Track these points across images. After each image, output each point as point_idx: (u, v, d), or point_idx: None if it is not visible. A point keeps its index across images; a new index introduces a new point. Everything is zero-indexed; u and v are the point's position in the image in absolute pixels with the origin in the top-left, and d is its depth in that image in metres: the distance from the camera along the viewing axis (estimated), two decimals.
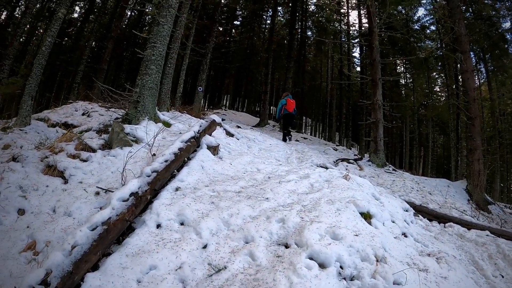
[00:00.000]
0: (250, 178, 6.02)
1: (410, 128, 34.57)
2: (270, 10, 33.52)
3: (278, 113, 15.14)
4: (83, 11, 30.27)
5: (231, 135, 10.63)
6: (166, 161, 5.44)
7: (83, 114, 12.86)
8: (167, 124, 8.52)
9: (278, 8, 32.41)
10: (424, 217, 6.73)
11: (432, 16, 27.03)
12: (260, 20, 38.56)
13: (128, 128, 7.14)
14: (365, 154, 25.17)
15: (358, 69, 39.51)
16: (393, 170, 13.26)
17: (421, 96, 33.34)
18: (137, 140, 6.93)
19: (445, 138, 37.95)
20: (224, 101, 46.20)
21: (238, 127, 16.95)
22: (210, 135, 8.12)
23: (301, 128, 34.16)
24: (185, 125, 9.23)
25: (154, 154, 6.11)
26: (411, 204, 6.82)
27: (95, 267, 3.53)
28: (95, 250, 3.49)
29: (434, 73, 32.45)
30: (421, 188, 11.00)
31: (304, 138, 23.23)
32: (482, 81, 27.19)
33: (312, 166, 9.43)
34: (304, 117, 42.36)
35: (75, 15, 31.16)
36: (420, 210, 6.98)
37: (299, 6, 29.03)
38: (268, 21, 38.14)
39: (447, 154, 38.38)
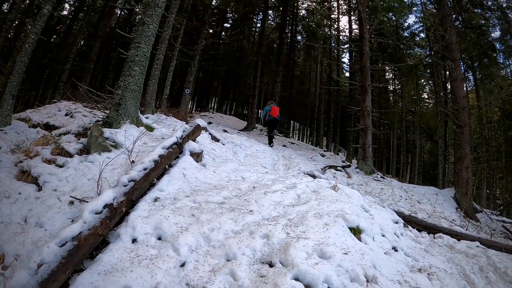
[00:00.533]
0: (234, 188, 5.74)
1: (397, 134, 34.55)
2: (260, 13, 33.44)
3: (263, 119, 15.90)
4: (73, 8, 29.66)
5: (217, 140, 10.35)
6: (145, 169, 5.13)
7: (66, 115, 12.56)
8: (150, 128, 8.20)
9: (269, 12, 32.35)
10: (413, 228, 6.61)
11: (421, 24, 27.22)
12: (250, 23, 38.36)
13: (107, 132, 6.80)
14: (352, 160, 25.29)
15: (347, 74, 39.77)
16: (381, 177, 13.11)
17: (409, 103, 33.49)
18: (116, 145, 6.60)
19: (432, 145, 38.13)
20: (212, 104, 45.92)
21: (225, 131, 16.64)
22: (194, 140, 7.83)
23: (289, 133, 33.82)
24: (169, 129, 8.94)
25: (133, 161, 5.77)
26: (400, 215, 6.73)
27: (64, 286, 3.22)
28: (64, 268, 3.16)
29: (422, 80, 32.74)
30: (409, 196, 10.86)
31: (292, 143, 23.01)
32: (470, 88, 27.17)
33: (300, 174, 9.21)
34: (292, 122, 42.26)
35: (65, 12, 30.57)
36: (409, 221, 6.85)
37: (289, 10, 28.93)
38: (258, 25, 37.90)
39: (434, 160, 38.58)
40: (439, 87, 26.38)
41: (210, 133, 10.35)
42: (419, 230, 6.62)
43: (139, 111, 8.11)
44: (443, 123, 25.73)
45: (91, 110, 11.64)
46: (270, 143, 15.28)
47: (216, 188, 5.72)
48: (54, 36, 29.60)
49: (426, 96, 37.13)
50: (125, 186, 4.55)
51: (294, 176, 7.40)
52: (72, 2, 29.61)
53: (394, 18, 28.36)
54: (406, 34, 29.97)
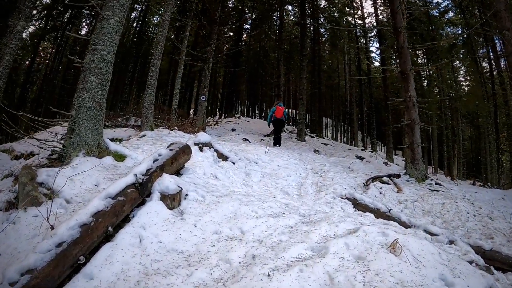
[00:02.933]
0: (220, 259, 3.33)
1: (436, 123, 31.35)
2: (279, 8, 31.00)
3: (268, 121, 15.00)
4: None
5: (225, 158, 7.99)
6: (60, 244, 2.90)
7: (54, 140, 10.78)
8: (120, 157, 5.83)
9: (288, 7, 30.45)
10: (497, 269, 4.61)
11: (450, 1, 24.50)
12: (270, 22, 35.98)
13: (44, 174, 4.53)
14: (393, 157, 22.37)
15: (376, 64, 37.39)
16: (436, 184, 10.33)
17: (446, 88, 30.14)
18: (51, 194, 4.29)
19: (472, 131, 34.62)
20: (240, 108, 43.84)
21: (245, 140, 14.24)
22: (179, 170, 5.54)
23: (322, 132, 31.13)
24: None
25: (52, 227, 3.45)
26: (480, 251, 5.14)
27: None
28: None
29: (457, 62, 29.40)
30: (477, 210, 8.08)
31: (325, 144, 20.40)
32: None
33: (335, 199, 6.76)
34: (324, 118, 39.60)
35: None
36: (491, 258, 5.10)
37: (309, 1, 26.16)
38: (278, 23, 35.63)
39: (475, 146, 35.21)
40: (480, 67, 23.35)
41: (216, 150, 8.00)
42: (504, 271, 4.76)
43: (102, 136, 5.77)
44: (493, 107, 22.37)
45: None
46: (276, 144, 14.12)
47: (189, 261, 3.36)
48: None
49: (462, 79, 33.77)
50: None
51: (328, 205, 5.24)
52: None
53: None
54: (435, 13, 26.85)
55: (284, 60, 23.49)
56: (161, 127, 11.45)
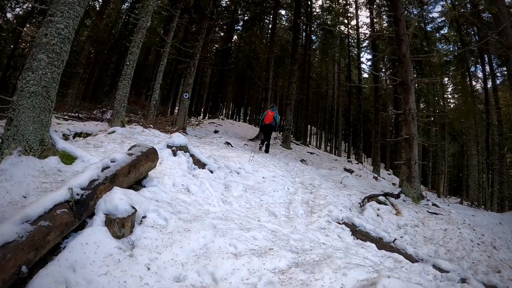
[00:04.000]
0: None
1: (422, 138, 30.79)
2: (272, 12, 30.16)
3: (260, 126, 14.11)
4: None
5: (202, 165, 6.79)
6: None
7: None
8: (69, 159, 4.55)
9: (282, 12, 29.43)
10: None
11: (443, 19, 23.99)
12: (262, 24, 35.04)
13: None
14: (381, 171, 21.42)
15: (366, 75, 37.82)
16: (432, 205, 9.38)
17: (432, 104, 29.76)
18: None
19: (456, 148, 34.42)
20: (225, 110, 42.63)
21: (228, 144, 13.05)
22: (141, 180, 4.36)
23: (306, 140, 30.12)
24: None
25: None
26: None
27: None
28: None
29: (446, 79, 29.17)
30: (479, 237, 7.13)
31: (311, 153, 19.31)
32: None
33: (331, 223, 5.68)
34: (309, 126, 38.74)
35: None
36: None
37: (303, 6, 25.22)
38: (271, 26, 34.79)
39: (457, 163, 35.01)
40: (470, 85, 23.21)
41: (192, 155, 6.79)
42: None
43: (48, 130, 4.51)
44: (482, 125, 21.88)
45: None
46: (265, 150, 13.46)
47: None
48: None
49: (449, 96, 33.83)
50: None
51: (322, 232, 4.85)
52: None
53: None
54: (429, 28, 26.43)
55: (274, 64, 22.25)
56: (134, 124, 10.21)
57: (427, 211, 8.55)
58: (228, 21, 29.79)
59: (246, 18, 35.15)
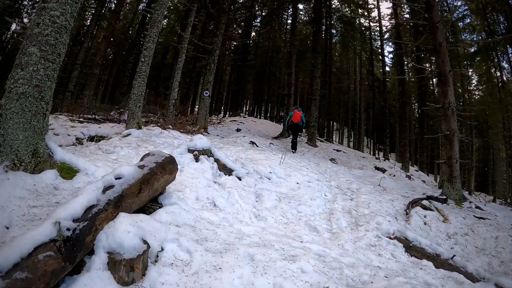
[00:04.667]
0: None
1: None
2: (290, 7, 29.54)
3: (285, 125, 14.29)
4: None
5: (229, 171, 5.93)
6: None
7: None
8: (69, 172, 3.70)
9: (299, 6, 28.40)
10: None
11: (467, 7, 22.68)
12: (280, 20, 34.22)
13: None
14: (409, 168, 20.30)
15: (387, 69, 35.94)
16: (476, 207, 8.47)
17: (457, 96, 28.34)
18: None
19: (481, 143, 33.06)
20: (246, 107, 41.82)
21: (253, 143, 12.16)
22: (156, 198, 3.48)
23: (330, 136, 29.10)
24: (130, 164, 4.57)
25: None
26: None
27: None
28: None
29: (470, 71, 27.63)
30: None
31: (337, 151, 18.30)
32: None
33: (381, 239, 4.96)
34: (331, 122, 37.70)
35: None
36: None
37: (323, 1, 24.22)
38: (289, 21, 34.36)
39: (482, 158, 33.55)
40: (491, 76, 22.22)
41: (217, 159, 5.94)
42: None
43: (44, 136, 3.68)
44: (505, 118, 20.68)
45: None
46: (293, 148, 13.48)
47: None
48: None
49: (474, 88, 31.65)
50: None
51: (373, 250, 4.34)
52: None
53: None
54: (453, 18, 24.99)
55: (295, 58, 21.25)
56: (152, 125, 9.39)
57: (474, 215, 7.70)
58: (246, 16, 28.91)
59: (263, 14, 34.27)
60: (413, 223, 6.24)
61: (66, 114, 11.94)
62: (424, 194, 8.37)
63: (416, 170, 23.82)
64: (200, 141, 5.87)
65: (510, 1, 16.58)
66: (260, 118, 35.13)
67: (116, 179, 2.78)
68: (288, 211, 5.25)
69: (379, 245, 4.72)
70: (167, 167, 3.50)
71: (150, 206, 3.41)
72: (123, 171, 2.89)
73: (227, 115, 32.25)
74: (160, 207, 3.49)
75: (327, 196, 6.54)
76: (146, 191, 3.10)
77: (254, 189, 5.69)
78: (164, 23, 35.67)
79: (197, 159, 5.64)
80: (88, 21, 26.50)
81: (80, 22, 24.91)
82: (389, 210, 6.53)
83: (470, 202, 8.76)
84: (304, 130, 17.63)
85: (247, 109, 41.92)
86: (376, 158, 20.09)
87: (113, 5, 23.57)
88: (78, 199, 2.36)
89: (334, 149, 18.44)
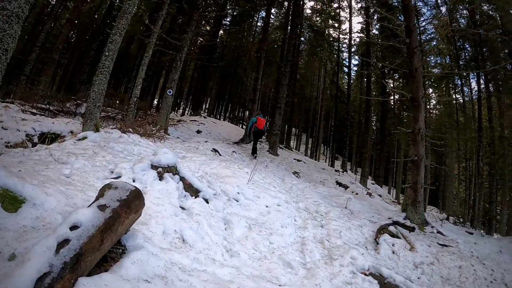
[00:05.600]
0: None
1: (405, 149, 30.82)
2: (262, 11, 29.36)
3: (249, 131, 15.14)
4: None
5: (195, 191, 5.37)
6: None
7: None
8: (12, 203, 2.86)
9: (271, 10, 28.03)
10: None
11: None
12: (250, 21, 33.78)
13: None
14: (367, 181, 20.39)
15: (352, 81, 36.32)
16: (437, 232, 8.52)
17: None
18: None
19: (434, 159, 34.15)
20: (206, 104, 40.99)
21: (215, 151, 11.46)
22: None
23: (289, 142, 28.89)
24: (88, 194, 3.94)
25: None
26: None
27: None
28: None
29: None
30: (490, 273, 6.69)
31: (298, 161, 17.95)
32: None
33: (356, 275, 4.76)
34: (292, 128, 37.80)
35: None
36: None
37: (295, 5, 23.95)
38: (259, 23, 35.18)
39: (434, 173, 34.52)
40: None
41: (182, 178, 5.39)
42: None
43: None
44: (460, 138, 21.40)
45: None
46: (254, 153, 14.18)
47: None
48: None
49: (432, 107, 32.60)
50: None
51: None
52: None
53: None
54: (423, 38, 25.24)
55: (263, 63, 20.74)
56: (111, 127, 8.61)
57: (438, 243, 7.71)
58: (217, 14, 28.23)
59: (234, 13, 33.53)
60: (382, 252, 6.10)
61: (18, 103, 11.11)
62: (389, 218, 8.30)
63: (372, 183, 24.03)
64: (165, 156, 5.28)
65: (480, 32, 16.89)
66: (220, 118, 34.70)
67: (71, 229, 2.17)
68: (260, 242, 4.76)
69: (355, 282, 4.42)
70: (133, 205, 2.92)
71: (111, 250, 2.81)
72: (80, 218, 2.27)
73: (186, 113, 31.48)
74: (123, 252, 2.89)
75: (297, 222, 6.11)
76: (109, 240, 2.51)
77: (223, 214, 5.16)
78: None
79: (161, 177, 5.06)
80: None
81: (44, 1, 23.24)
82: (360, 239, 6.28)
83: (432, 226, 8.80)
84: (264, 137, 17.45)
85: (207, 106, 41.17)
86: (336, 171, 19.97)
87: None
88: (24, 269, 1.76)
89: (295, 159, 18.10)
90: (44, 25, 19.54)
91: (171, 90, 14.33)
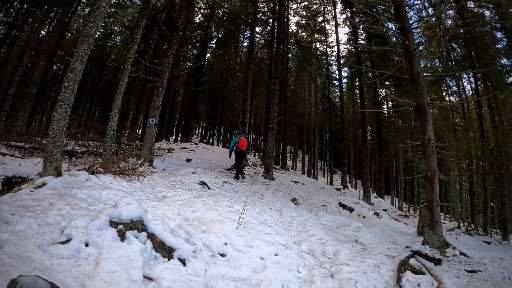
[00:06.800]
0: None
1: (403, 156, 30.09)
2: (247, 30, 29.19)
3: (230, 151, 14.38)
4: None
5: (169, 251, 4.15)
6: None
7: None
8: None
9: (256, 29, 27.33)
10: None
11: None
12: (236, 42, 33.11)
13: None
14: (371, 197, 19.28)
15: (338, 93, 36.41)
16: (460, 254, 7.36)
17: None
18: None
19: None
20: (199, 129, 40.01)
21: (203, 184, 10.01)
22: None
23: (285, 162, 27.67)
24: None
25: None
26: None
27: None
28: None
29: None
30: None
31: (296, 182, 16.78)
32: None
33: None
34: (288, 146, 36.97)
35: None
36: None
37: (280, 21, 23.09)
38: (245, 44, 34.26)
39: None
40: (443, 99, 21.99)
41: (151, 234, 4.18)
42: None
43: None
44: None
45: None
46: (238, 177, 13.69)
47: None
48: None
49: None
50: None
51: None
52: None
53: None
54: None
55: (251, 83, 19.70)
56: (79, 168, 7.32)
57: (465, 270, 6.62)
58: (201, 35, 27.53)
59: (219, 35, 33.54)
60: None
61: None
62: (407, 247, 7.13)
63: (375, 197, 22.98)
64: (126, 208, 4.05)
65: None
66: (213, 142, 33.80)
67: None
68: None
69: None
70: None
71: None
72: None
73: (178, 140, 30.47)
74: None
75: (301, 273, 4.78)
76: None
77: (205, 279, 3.85)
78: (118, 40, 33.63)
79: (122, 237, 3.82)
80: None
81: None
82: (379, 285, 5.02)
83: (454, 248, 7.68)
84: (259, 159, 16.55)
85: (200, 131, 40.25)
86: (337, 189, 18.86)
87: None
88: None
89: (292, 181, 16.88)
90: (22, 58, 18.43)
91: (154, 119, 13.15)
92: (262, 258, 4.77)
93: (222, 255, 4.55)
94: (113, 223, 3.95)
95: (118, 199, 4.57)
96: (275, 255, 5.00)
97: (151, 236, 4.10)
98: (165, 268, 3.71)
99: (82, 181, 6.35)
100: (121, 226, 3.92)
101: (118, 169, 8.09)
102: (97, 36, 27.94)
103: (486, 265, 6.82)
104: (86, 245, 3.65)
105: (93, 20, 7.34)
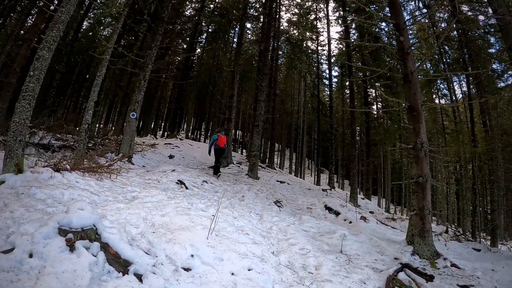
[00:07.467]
0: None
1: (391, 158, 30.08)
2: (237, 26, 27.94)
3: (209, 148, 14.47)
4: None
5: (124, 264, 3.64)
6: None
7: None
8: None
9: (247, 25, 26.83)
10: None
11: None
12: (226, 37, 32.52)
13: None
14: (358, 198, 18.95)
15: (328, 92, 36.17)
16: (451, 265, 7.06)
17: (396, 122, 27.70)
18: None
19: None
20: (186, 125, 39.37)
21: (181, 183, 9.38)
22: None
23: (272, 160, 27.20)
24: None
25: None
26: None
27: None
28: None
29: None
30: None
31: (281, 182, 16.32)
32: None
33: None
34: (275, 144, 36.67)
35: None
36: None
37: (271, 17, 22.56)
38: (235, 39, 33.08)
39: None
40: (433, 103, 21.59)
41: (105, 245, 3.68)
42: None
43: None
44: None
45: None
46: (216, 173, 13.79)
47: None
48: None
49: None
50: None
51: None
52: None
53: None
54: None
55: (239, 78, 19.18)
56: (44, 165, 6.72)
57: (458, 285, 6.19)
58: (192, 31, 26.94)
59: (210, 30, 33.00)
60: None
61: None
62: (396, 259, 6.69)
63: (362, 198, 22.75)
64: (78, 215, 3.53)
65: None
66: (200, 138, 33.32)
67: None
68: None
69: None
70: None
71: None
72: None
73: (164, 136, 29.89)
74: None
75: None
76: None
77: None
78: (108, 32, 32.95)
79: (72, 248, 3.30)
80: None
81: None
82: None
83: (445, 258, 7.37)
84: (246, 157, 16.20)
85: (187, 127, 39.68)
86: (323, 190, 18.47)
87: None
88: None
89: (277, 181, 16.41)
90: (5, 46, 17.70)
91: (134, 113, 12.58)
92: (232, 274, 4.20)
93: (187, 270, 3.99)
94: (62, 231, 3.42)
95: (69, 204, 4.04)
96: (248, 270, 4.44)
97: (105, 247, 3.59)
98: (117, 286, 3.20)
99: (45, 179, 5.82)
100: (70, 235, 3.39)
101: (88, 166, 7.52)
102: (84, 27, 27.49)
103: (479, 279, 6.54)
104: (31, 255, 3.14)
105: (65, 5, 6.76)
